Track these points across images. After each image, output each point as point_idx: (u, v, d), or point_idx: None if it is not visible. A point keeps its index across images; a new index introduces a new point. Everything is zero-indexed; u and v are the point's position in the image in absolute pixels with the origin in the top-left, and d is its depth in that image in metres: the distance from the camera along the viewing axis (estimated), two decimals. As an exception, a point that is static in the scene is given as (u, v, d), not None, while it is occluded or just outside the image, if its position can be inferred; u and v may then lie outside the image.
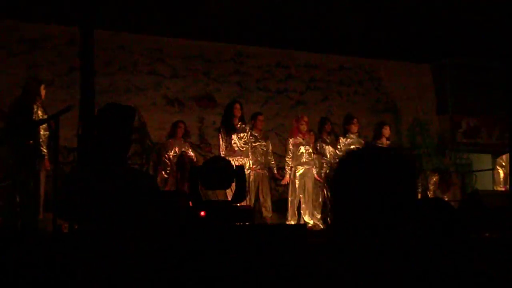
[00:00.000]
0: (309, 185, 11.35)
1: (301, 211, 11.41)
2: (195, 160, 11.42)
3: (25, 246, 5.94)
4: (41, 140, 8.55)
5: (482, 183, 15.84)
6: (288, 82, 16.10)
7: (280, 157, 13.03)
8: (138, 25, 14.52)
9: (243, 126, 10.83)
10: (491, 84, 17.72)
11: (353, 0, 16.14)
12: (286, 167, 11.39)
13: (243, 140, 10.74)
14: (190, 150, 11.56)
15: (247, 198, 10.03)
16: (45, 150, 8.60)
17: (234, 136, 10.70)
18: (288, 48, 16.29)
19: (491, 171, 15.38)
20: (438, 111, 17.63)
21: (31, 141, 8.30)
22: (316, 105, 16.09)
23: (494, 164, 14.51)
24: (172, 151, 11.35)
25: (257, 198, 11.38)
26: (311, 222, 11.33)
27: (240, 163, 10.35)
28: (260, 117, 11.60)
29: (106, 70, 14.01)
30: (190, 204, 7.33)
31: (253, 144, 11.12)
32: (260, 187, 11.32)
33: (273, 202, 12.26)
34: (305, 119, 11.50)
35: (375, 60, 17.17)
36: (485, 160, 17.21)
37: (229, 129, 10.73)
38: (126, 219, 4.06)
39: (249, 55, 15.81)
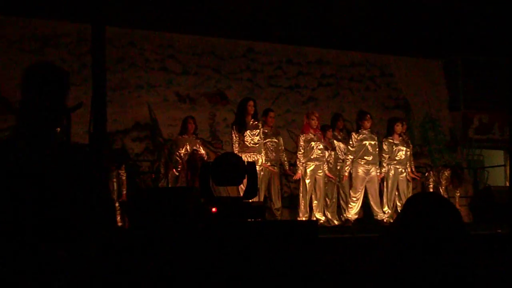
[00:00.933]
0: (320, 181, 11.34)
1: (313, 207, 11.40)
2: (206, 158, 11.41)
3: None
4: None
5: (494, 179, 15.82)
6: (299, 78, 16.10)
7: (292, 154, 13.04)
8: (149, 22, 14.55)
9: (256, 123, 10.83)
10: (503, 80, 17.65)
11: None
12: (297, 163, 11.36)
13: (256, 137, 10.74)
14: (201, 147, 11.55)
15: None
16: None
17: (247, 133, 10.70)
18: (299, 44, 16.28)
19: (503, 167, 15.36)
20: (450, 107, 17.61)
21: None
22: (327, 101, 16.08)
23: (506, 160, 14.50)
24: (184, 149, 11.35)
25: (268, 195, 11.38)
26: (323, 218, 11.32)
27: (253, 159, 10.35)
28: (271, 114, 11.59)
29: (117, 67, 14.07)
30: (202, 200, 7.33)
31: (264, 141, 11.10)
32: (271, 184, 11.30)
33: (285, 198, 12.25)
34: (316, 114, 11.47)
35: (387, 56, 17.14)
36: (497, 156, 17.17)
37: (242, 126, 10.73)
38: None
39: (260, 52, 15.81)
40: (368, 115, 11.77)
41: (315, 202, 11.35)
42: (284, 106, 15.52)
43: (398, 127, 11.89)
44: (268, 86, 15.70)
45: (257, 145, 10.74)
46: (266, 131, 11.27)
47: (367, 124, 11.61)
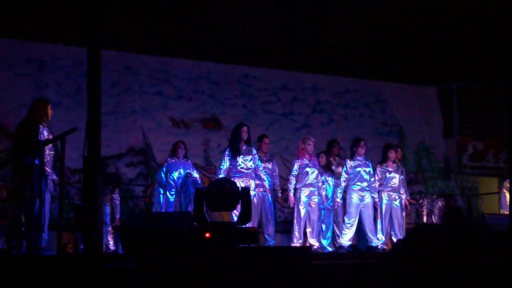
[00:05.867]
0: (315, 207, 11.30)
1: (307, 233, 11.36)
2: (199, 182, 11.39)
3: (30, 265, 5.93)
4: (45, 160, 8.53)
5: (488, 206, 15.81)
6: (293, 104, 16.10)
7: (285, 180, 13.02)
8: (145, 46, 14.59)
9: (249, 148, 10.82)
10: (497, 108, 17.72)
11: (359, 22, 16.21)
12: (289, 186, 11.33)
13: (249, 162, 10.73)
14: (194, 171, 11.53)
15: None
16: (49, 170, 8.58)
17: (240, 158, 10.69)
18: (294, 70, 16.32)
19: (497, 195, 15.35)
20: (444, 134, 17.62)
21: (37, 161, 8.29)
22: (321, 128, 16.06)
23: (500, 187, 14.49)
24: (177, 172, 11.32)
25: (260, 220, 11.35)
26: (317, 244, 11.28)
27: (245, 184, 10.33)
28: (266, 140, 11.57)
29: (112, 91, 14.06)
30: (195, 225, 7.31)
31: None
32: (263, 210, 11.26)
33: (278, 223, 12.19)
34: (312, 140, 11.47)
35: (381, 83, 17.18)
36: (491, 183, 17.16)
37: (235, 151, 10.72)
38: None
39: (255, 77, 15.81)
40: (362, 142, 11.76)
41: (309, 229, 11.31)
42: (278, 133, 15.49)
43: (392, 154, 11.88)
44: (262, 113, 15.69)
45: (249, 170, 10.73)
46: (260, 156, 11.26)
47: (361, 150, 11.60)
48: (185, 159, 11.55)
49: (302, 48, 16.47)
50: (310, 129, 15.85)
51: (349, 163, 11.55)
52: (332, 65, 16.36)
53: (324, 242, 11.61)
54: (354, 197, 11.43)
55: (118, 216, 11.50)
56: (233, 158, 10.71)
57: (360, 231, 11.74)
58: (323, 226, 11.67)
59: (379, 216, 11.67)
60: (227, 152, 10.82)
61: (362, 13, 17.11)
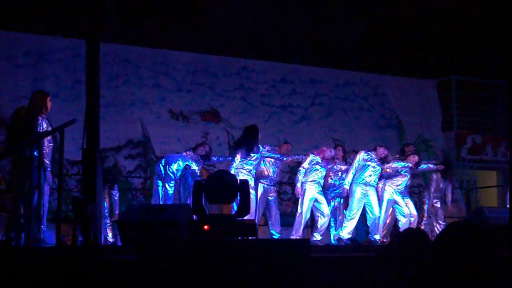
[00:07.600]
0: (322, 203, 11.21)
1: (312, 227, 11.42)
2: (198, 174, 11.35)
3: (29, 257, 5.93)
4: (44, 152, 8.52)
5: (486, 199, 15.81)
6: (292, 97, 16.08)
7: (284, 173, 13.00)
8: (143, 39, 14.57)
9: (257, 147, 10.87)
10: (496, 101, 17.72)
11: (358, 16, 16.19)
12: (298, 175, 11.26)
13: (253, 159, 10.77)
14: (193, 164, 11.49)
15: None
16: (48, 162, 8.57)
17: (249, 158, 10.76)
18: (293, 62, 16.31)
19: (495, 188, 15.36)
20: (443, 127, 17.62)
21: (35, 153, 8.29)
22: (320, 121, 16.05)
23: (499, 181, 14.49)
24: (176, 164, 11.28)
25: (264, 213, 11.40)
26: (320, 237, 11.23)
27: (245, 178, 10.34)
28: (289, 147, 11.74)
29: (111, 84, 14.03)
30: (194, 218, 7.31)
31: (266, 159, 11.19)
32: (268, 203, 11.29)
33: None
34: (334, 150, 11.46)
35: (380, 76, 17.16)
36: (489, 177, 17.16)
37: (249, 151, 10.74)
38: None
39: (254, 70, 15.79)
40: (388, 149, 11.68)
41: (321, 222, 11.22)
42: (276, 125, 15.47)
43: (415, 158, 11.83)
44: (261, 105, 15.67)
45: (252, 166, 10.77)
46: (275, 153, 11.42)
47: (381, 152, 11.50)
48: (192, 154, 11.57)
49: (301, 41, 16.44)
50: (309, 122, 15.85)
51: (363, 155, 11.45)
52: (331, 58, 16.35)
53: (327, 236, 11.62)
54: (358, 191, 11.36)
55: (117, 212, 11.39)
56: (246, 157, 10.75)
57: (360, 224, 11.74)
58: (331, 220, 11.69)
59: (380, 208, 11.62)
60: (241, 151, 10.78)
61: (361, 6, 17.10)
